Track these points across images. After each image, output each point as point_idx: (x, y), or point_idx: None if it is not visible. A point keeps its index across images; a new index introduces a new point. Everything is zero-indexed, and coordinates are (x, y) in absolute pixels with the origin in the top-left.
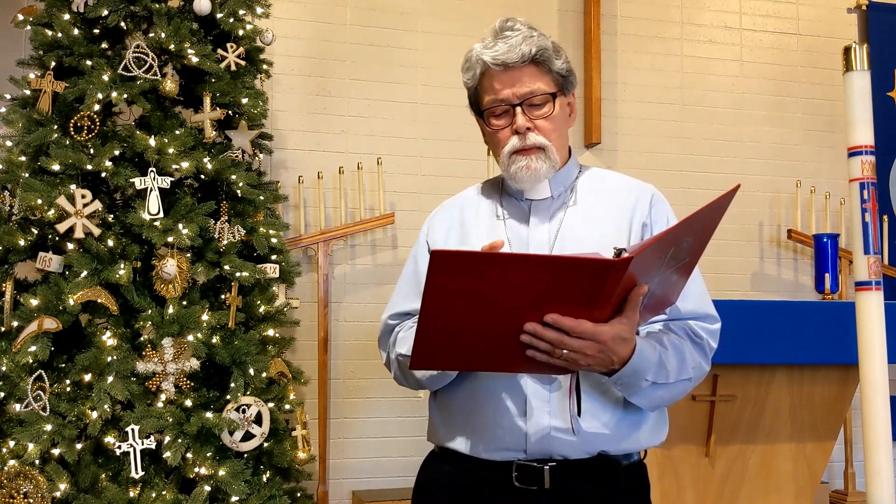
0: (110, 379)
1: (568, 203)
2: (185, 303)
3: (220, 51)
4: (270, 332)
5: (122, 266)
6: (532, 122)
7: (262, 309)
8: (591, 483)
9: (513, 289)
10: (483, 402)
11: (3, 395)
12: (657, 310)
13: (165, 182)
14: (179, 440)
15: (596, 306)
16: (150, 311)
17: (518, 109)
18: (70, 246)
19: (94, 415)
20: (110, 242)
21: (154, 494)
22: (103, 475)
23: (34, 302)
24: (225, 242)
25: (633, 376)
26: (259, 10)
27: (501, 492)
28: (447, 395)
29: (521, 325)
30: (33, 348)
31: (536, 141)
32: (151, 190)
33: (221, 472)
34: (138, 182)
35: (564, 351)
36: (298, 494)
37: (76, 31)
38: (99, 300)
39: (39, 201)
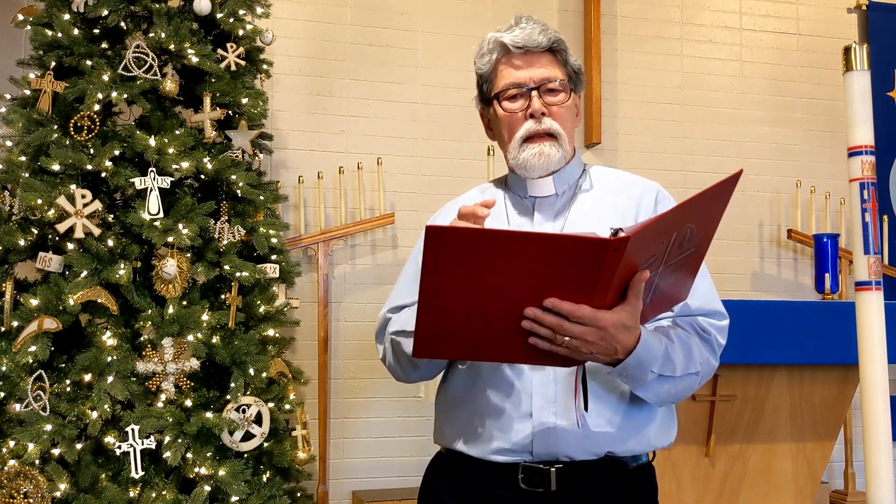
0: (110, 379)
1: (572, 201)
2: (185, 303)
3: (220, 51)
4: (270, 332)
5: (122, 266)
6: (547, 108)
7: (262, 309)
8: (598, 485)
9: (509, 270)
10: (488, 404)
11: (3, 395)
12: (665, 306)
13: (165, 182)
14: (179, 440)
15: (595, 291)
16: (150, 311)
17: (534, 93)
18: (70, 246)
19: (94, 415)
20: (110, 242)
21: (154, 494)
22: (103, 475)
23: (34, 302)
24: (225, 242)
25: (637, 367)
26: (259, 10)
27: (508, 494)
28: (452, 397)
29: (522, 312)
30: (33, 348)
31: (551, 126)
32: (151, 190)
33: (221, 472)
34: (138, 182)
35: (566, 338)
36: (298, 494)
37: (76, 31)
38: (99, 300)
39: (39, 201)
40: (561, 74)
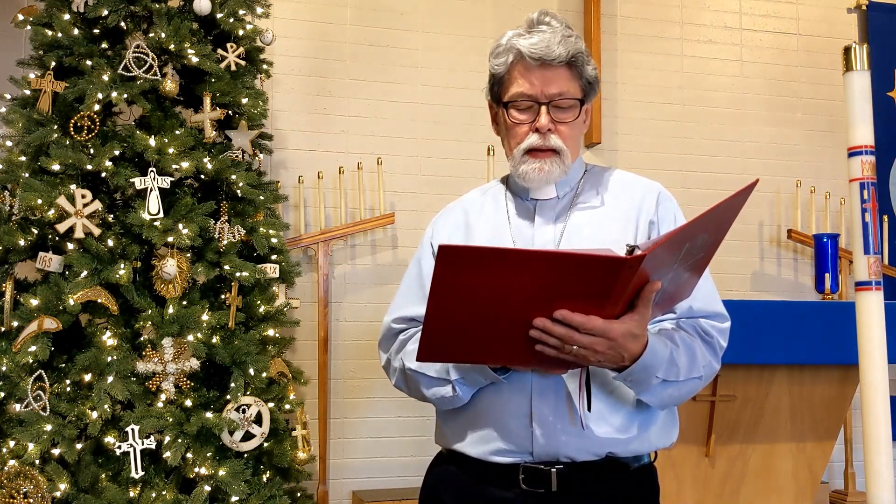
0: (110, 379)
1: (574, 202)
2: (185, 303)
3: (220, 51)
4: (270, 332)
5: (122, 266)
6: (554, 125)
7: (262, 309)
8: (598, 486)
9: (521, 285)
10: (489, 405)
11: (3, 395)
12: (668, 306)
13: (165, 182)
14: (179, 440)
15: (607, 303)
16: (150, 311)
17: (543, 109)
18: (70, 246)
19: (94, 415)
20: (110, 242)
21: (154, 494)
22: (103, 475)
23: (34, 302)
24: (225, 242)
25: (643, 373)
26: (259, 10)
27: (509, 494)
28: None
29: (530, 321)
30: (33, 348)
31: (556, 144)
32: (151, 190)
33: (221, 472)
34: (138, 182)
35: (574, 347)
36: (298, 494)
37: (76, 31)
38: (99, 300)
39: (39, 201)
40: (574, 90)
